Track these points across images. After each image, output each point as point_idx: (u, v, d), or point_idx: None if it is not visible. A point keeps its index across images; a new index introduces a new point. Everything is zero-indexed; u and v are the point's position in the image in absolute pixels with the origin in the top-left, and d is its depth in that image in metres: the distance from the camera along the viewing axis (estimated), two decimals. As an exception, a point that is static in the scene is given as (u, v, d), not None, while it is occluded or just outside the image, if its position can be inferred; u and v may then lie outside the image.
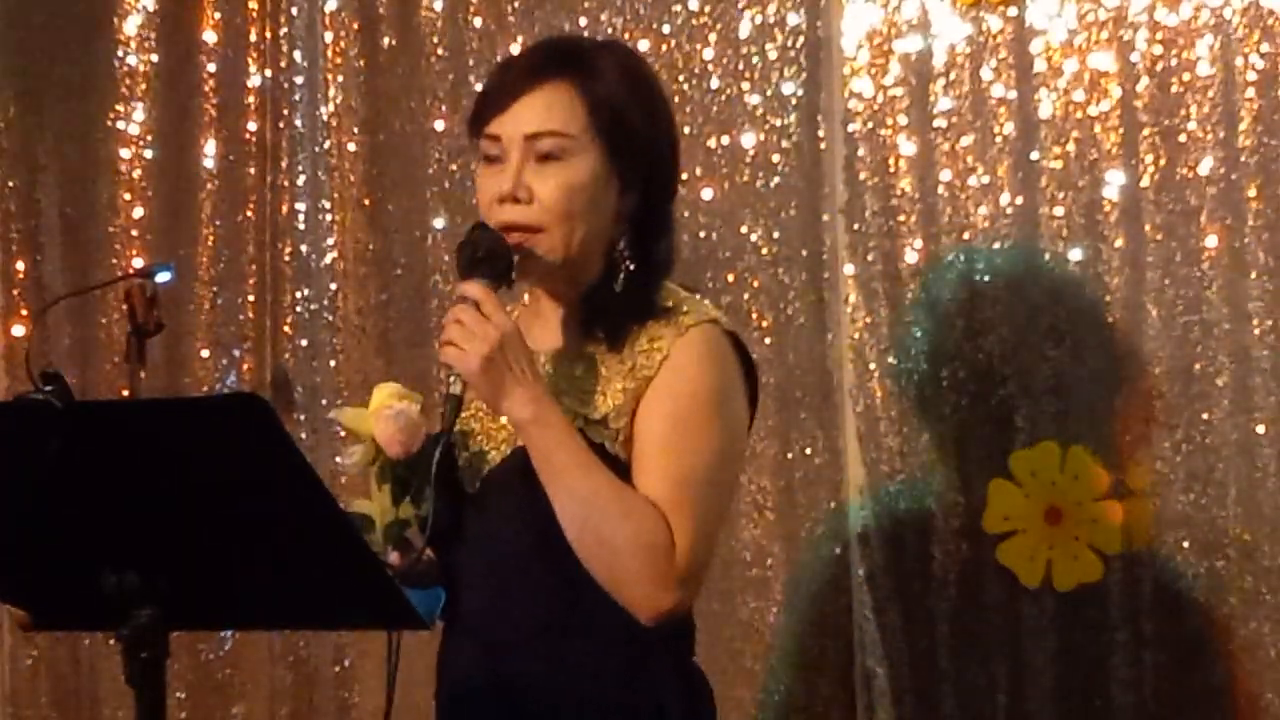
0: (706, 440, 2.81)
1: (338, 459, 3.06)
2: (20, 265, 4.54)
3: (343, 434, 4.43)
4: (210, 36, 4.54)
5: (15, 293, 4.53)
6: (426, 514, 2.78)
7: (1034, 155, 4.14)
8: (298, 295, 4.48)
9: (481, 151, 2.89)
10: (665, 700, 2.83)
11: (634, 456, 2.81)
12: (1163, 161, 4.08)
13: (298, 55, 4.49)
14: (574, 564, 2.77)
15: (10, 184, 4.54)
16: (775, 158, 4.26)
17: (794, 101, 4.25)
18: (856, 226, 4.21)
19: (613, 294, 2.86)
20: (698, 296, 2.93)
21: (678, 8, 4.30)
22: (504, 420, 2.86)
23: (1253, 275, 4.04)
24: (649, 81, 2.96)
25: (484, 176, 2.88)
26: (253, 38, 4.52)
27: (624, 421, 2.82)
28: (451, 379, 2.77)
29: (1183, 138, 4.07)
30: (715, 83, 4.28)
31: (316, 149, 4.48)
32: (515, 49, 4.33)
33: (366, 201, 4.47)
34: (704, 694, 2.91)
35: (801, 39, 4.25)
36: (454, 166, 4.42)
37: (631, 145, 2.86)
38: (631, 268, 2.87)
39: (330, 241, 4.48)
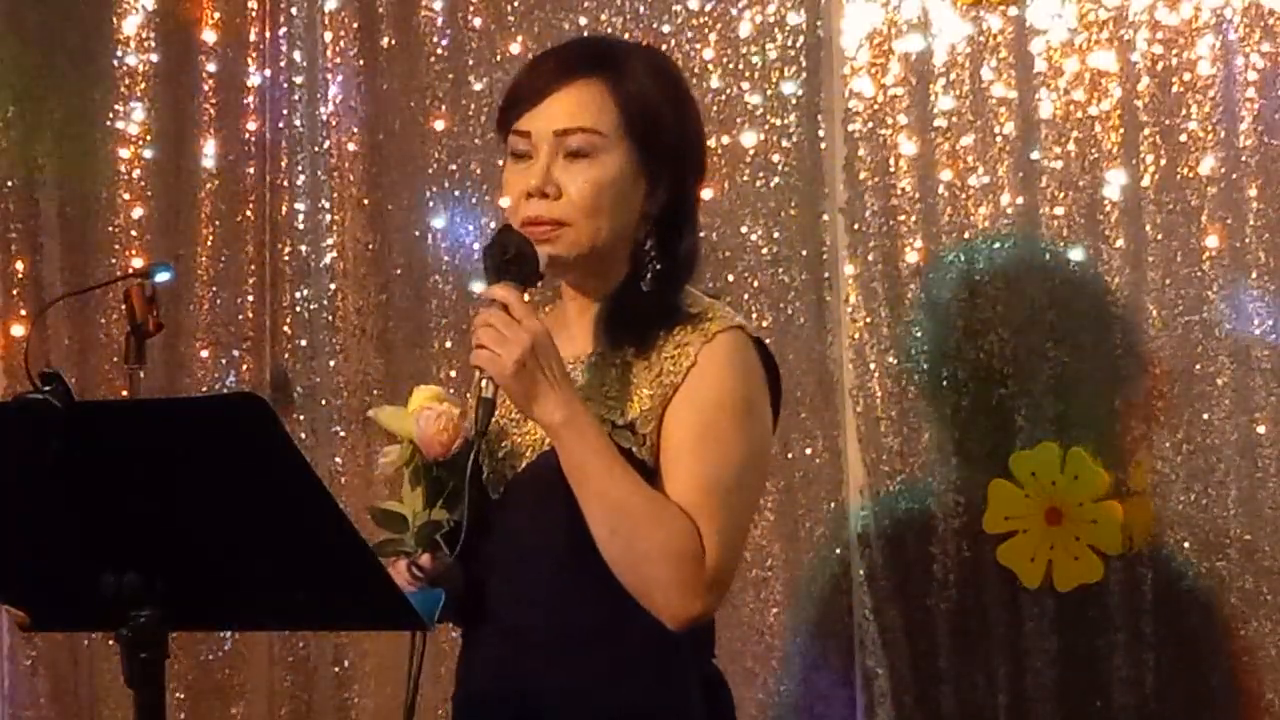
0: (734, 446, 2.80)
1: (380, 459, 3.01)
2: (19, 265, 4.54)
3: (343, 434, 4.47)
4: (210, 36, 4.53)
5: (14, 293, 4.53)
6: (460, 517, 2.77)
7: (1034, 155, 4.14)
8: (297, 295, 4.48)
9: (510, 148, 2.88)
10: (689, 705, 2.82)
11: (662, 463, 2.80)
12: (1163, 161, 4.08)
13: (297, 55, 4.49)
14: (600, 569, 2.76)
15: (9, 183, 4.53)
16: (775, 158, 4.26)
17: (794, 101, 4.25)
18: (856, 226, 4.20)
19: (640, 294, 2.85)
20: (721, 302, 2.91)
21: (678, 8, 4.30)
22: (530, 425, 2.85)
23: (1253, 275, 4.04)
24: (679, 82, 2.95)
25: (512, 173, 2.87)
26: (252, 37, 4.52)
27: (651, 427, 2.81)
28: (484, 382, 2.75)
29: (1183, 137, 4.07)
30: (715, 83, 4.28)
31: (316, 149, 4.48)
32: (515, 49, 4.34)
33: (366, 201, 4.47)
34: (725, 698, 2.91)
35: (801, 39, 4.25)
36: (453, 166, 4.42)
37: (661, 145, 2.86)
38: (658, 267, 2.85)
39: (330, 241, 4.47)
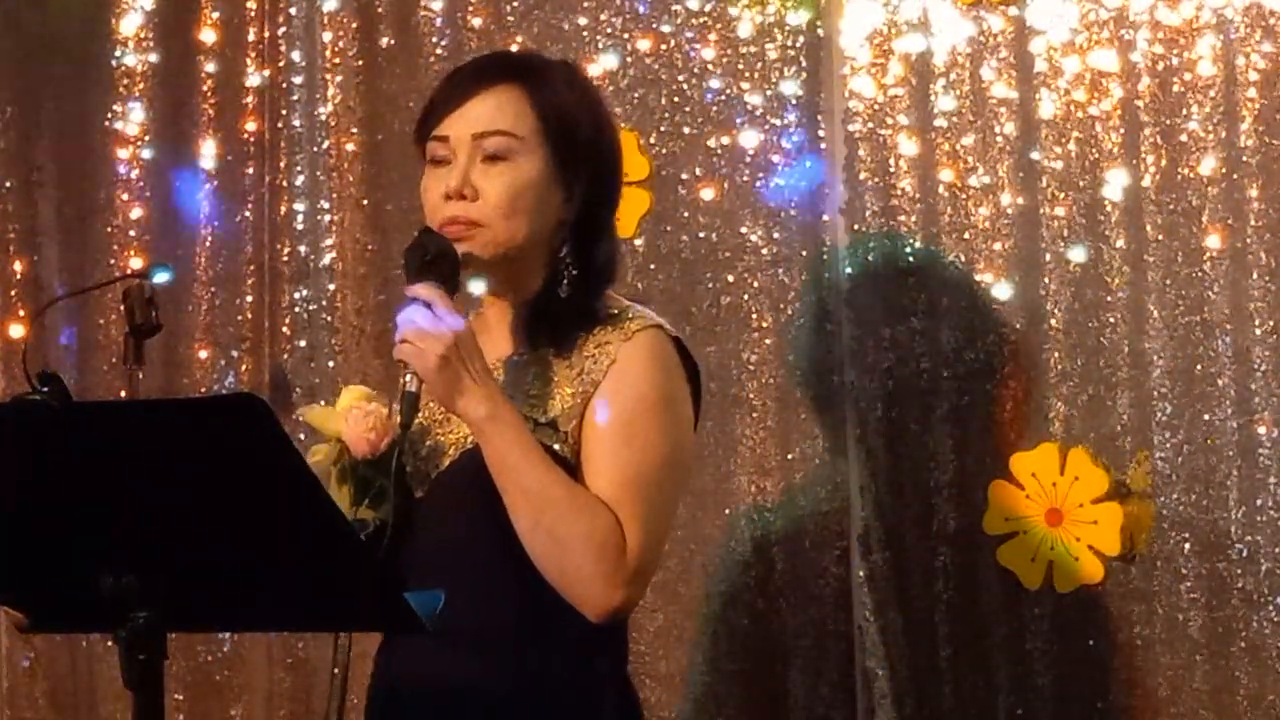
0: (654, 441, 2.86)
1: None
2: (19, 265, 4.53)
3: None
4: (208, 36, 4.53)
5: (14, 293, 4.52)
6: (386, 515, 2.82)
7: (1034, 155, 4.13)
8: (296, 296, 4.47)
9: (428, 155, 2.98)
10: (605, 707, 2.87)
11: (583, 458, 2.86)
12: (1164, 161, 4.08)
13: (296, 55, 4.49)
14: (525, 568, 2.81)
15: (8, 184, 4.53)
16: (775, 158, 4.25)
17: (794, 101, 4.25)
18: (856, 226, 4.20)
19: (558, 300, 2.91)
20: (640, 305, 2.98)
21: (678, 8, 4.30)
22: (453, 423, 2.89)
23: (1254, 275, 4.03)
24: (595, 94, 3.05)
25: (430, 178, 2.97)
26: (251, 37, 4.52)
27: (573, 425, 2.86)
28: (408, 378, 2.80)
29: (1184, 137, 4.07)
30: (715, 83, 4.28)
31: (315, 149, 4.48)
32: (515, 49, 4.32)
33: (365, 201, 4.47)
34: (637, 703, 2.96)
35: (801, 39, 4.25)
36: (453, 166, 4.41)
37: (577, 152, 2.92)
38: (574, 273, 2.91)
39: (329, 242, 4.47)
